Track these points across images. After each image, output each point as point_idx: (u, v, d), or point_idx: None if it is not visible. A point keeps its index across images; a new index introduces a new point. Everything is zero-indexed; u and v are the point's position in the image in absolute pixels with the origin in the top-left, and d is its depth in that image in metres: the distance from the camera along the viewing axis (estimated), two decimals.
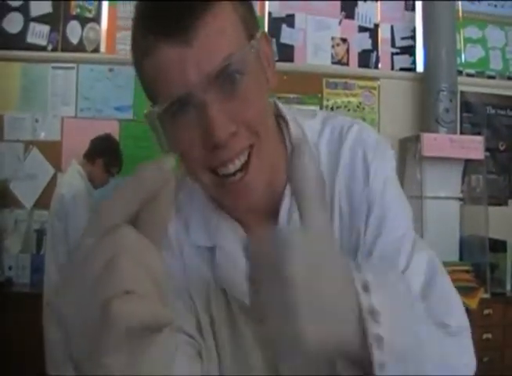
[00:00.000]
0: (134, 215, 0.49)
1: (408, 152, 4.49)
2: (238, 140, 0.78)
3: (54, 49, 4.55)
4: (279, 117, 0.93)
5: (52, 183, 4.10)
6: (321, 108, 4.66)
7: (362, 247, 0.86)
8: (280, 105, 0.94)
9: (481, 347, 3.87)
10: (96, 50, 4.59)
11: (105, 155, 3.47)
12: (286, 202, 0.87)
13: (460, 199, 4.30)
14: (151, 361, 0.48)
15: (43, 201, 4.12)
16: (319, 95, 4.68)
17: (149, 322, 0.45)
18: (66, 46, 4.56)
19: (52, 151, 4.44)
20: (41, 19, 4.54)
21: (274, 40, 4.68)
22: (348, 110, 4.70)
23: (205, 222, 0.92)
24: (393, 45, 4.82)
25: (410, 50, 4.83)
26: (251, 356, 0.90)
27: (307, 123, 0.94)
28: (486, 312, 3.95)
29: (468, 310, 4.25)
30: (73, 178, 3.38)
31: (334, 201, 0.89)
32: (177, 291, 0.90)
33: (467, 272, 4.03)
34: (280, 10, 4.71)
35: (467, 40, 4.89)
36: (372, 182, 0.88)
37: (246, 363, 0.90)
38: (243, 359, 0.91)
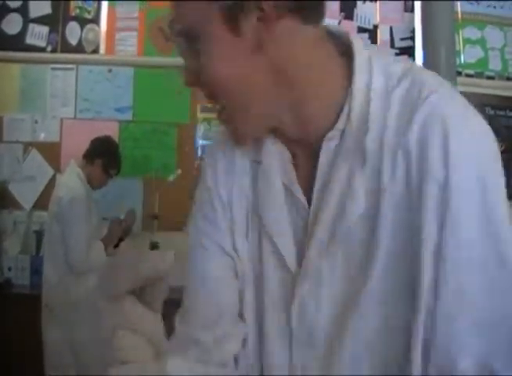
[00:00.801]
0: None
1: None
2: (208, 94, 0.87)
3: (53, 50, 4.55)
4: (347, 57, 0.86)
5: (51, 184, 4.09)
6: None
7: (426, 242, 0.76)
8: (356, 43, 0.86)
9: None
10: (95, 51, 4.58)
11: (104, 156, 3.47)
12: (330, 145, 0.85)
13: None
14: None
15: (42, 202, 4.12)
16: None
17: None
18: (66, 47, 4.55)
19: (51, 152, 4.44)
20: (41, 20, 4.54)
21: None
22: None
23: (256, 139, 0.93)
24: (392, 45, 4.82)
25: (409, 51, 4.83)
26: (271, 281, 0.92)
27: (385, 66, 0.85)
28: None
29: None
30: (71, 181, 3.38)
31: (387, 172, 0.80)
32: (220, 210, 0.94)
33: None
34: None
35: (466, 41, 4.89)
36: (452, 184, 0.75)
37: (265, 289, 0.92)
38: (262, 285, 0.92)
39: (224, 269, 0.94)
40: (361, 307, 0.81)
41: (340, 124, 0.84)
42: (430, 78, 0.86)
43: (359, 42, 0.86)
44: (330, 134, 0.84)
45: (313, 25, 0.81)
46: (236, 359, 0.94)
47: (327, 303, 0.85)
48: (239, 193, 0.94)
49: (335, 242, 0.83)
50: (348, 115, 0.83)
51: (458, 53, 4.74)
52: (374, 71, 0.83)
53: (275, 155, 0.91)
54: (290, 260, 0.88)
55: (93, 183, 3.49)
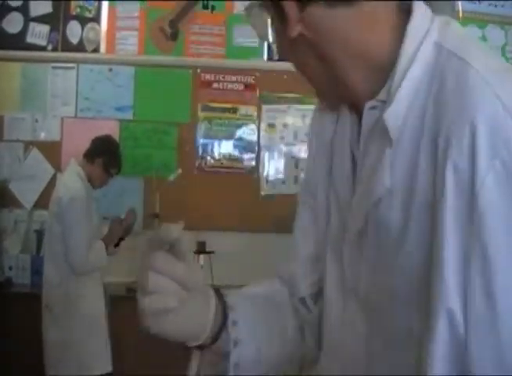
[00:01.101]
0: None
1: None
2: None
3: (54, 49, 4.55)
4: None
5: (51, 183, 4.10)
6: None
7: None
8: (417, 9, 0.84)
9: None
10: (96, 50, 4.59)
11: (105, 155, 3.46)
12: (372, 115, 0.84)
13: None
14: None
15: (43, 201, 4.12)
16: None
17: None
18: (66, 46, 4.55)
19: (51, 151, 4.45)
20: (41, 19, 4.54)
21: None
22: None
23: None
24: None
25: None
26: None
27: (443, 39, 0.81)
28: None
29: None
30: (71, 180, 3.37)
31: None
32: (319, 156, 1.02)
33: None
34: None
35: None
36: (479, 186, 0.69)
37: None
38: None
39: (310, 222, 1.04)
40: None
41: (381, 95, 0.82)
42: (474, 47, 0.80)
43: (422, 8, 0.85)
44: (369, 103, 0.83)
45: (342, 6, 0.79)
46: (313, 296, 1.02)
47: (365, 267, 0.85)
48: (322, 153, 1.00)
49: (366, 218, 0.84)
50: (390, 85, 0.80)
51: None
52: (427, 41, 0.80)
53: (346, 124, 0.93)
54: (350, 220, 0.89)
55: (94, 182, 3.49)
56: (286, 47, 0.88)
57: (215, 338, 0.88)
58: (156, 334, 0.81)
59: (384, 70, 0.81)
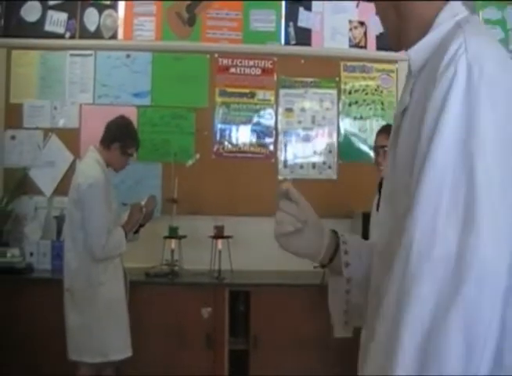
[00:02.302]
0: None
1: None
2: None
3: (72, 37, 4.57)
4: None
5: (71, 170, 4.13)
6: (339, 92, 4.64)
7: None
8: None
9: None
10: (114, 37, 4.60)
11: (120, 139, 3.47)
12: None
13: None
14: None
15: (62, 188, 4.16)
16: (337, 79, 4.66)
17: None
18: (84, 33, 4.57)
19: (70, 138, 4.48)
20: (59, 7, 4.56)
21: (291, 23, 4.66)
22: (366, 93, 4.68)
23: None
24: None
25: None
26: None
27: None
28: None
29: None
30: (90, 167, 3.38)
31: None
32: None
33: None
34: None
35: (486, 21, 4.83)
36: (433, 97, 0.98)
37: None
38: None
39: None
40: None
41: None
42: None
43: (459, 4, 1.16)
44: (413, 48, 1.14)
45: None
46: None
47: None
48: None
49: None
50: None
51: None
52: (452, 20, 1.10)
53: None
54: None
55: (114, 166, 3.50)
56: (379, 7, 1.22)
57: (331, 259, 1.29)
58: (285, 250, 1.28)
59: (426, 31, 1.12)
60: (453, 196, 0.89)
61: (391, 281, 0.93)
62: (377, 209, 2.84)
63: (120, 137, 3.48)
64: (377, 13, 1.24)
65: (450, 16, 1.10)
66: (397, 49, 1.24)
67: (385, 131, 3.19)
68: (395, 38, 1.21)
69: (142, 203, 3.62)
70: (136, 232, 3.63)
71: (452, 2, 1.14)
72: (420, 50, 1.11)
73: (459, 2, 1.16)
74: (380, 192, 2.75)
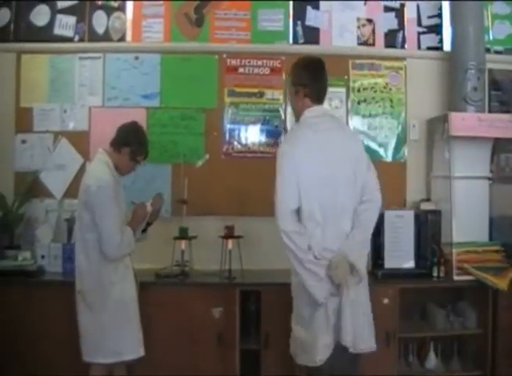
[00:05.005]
0: None
1: (436, 132, 4.45)
2: None
3: (81, 40, 4.60)
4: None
5: (81, 173, 4.13)
6: (347, 90, 4.63)
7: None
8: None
9: None
10: (122, 39, 4.62)
11: (131, 144, 3.46)
12: None
13: (489, 178, 4.23)
14: None
15: (73, 191, 4.17)
16: (346, 77, 4.65)
17: None
18: (93, 36, 4.60)
19: (80, 141, 4.50)
20: (68, 10, 4.59)
21: (299, 22, 4.66)
22: (375, 91, 4.67)
23: None
24: (419, 24, 4.76)
25: (437, 29, 4.76)
26: None
27: None
28: None
29: (498, 290, 4.18)
30: (99, 169, 3.38)
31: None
32: None
33: (497, 252, 3.99)
34: None
35: (495, 16, 4.81)
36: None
37: None
38: None
39: None
40: None
41: None
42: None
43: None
44: None
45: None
46: None
47: None
48: None
49: None
50: None
51: (486, 29, 4.66)
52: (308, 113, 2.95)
53: None
54: None
55: (121, 170, 3.50)
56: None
57: None
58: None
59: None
60: None
61: None
62: None
63: (133, 142, 3.48)
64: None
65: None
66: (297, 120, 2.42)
67: None
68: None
69: (149, 202, 3.61)
70: (144, 230, 3.63)
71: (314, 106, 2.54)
72: None
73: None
74: None
